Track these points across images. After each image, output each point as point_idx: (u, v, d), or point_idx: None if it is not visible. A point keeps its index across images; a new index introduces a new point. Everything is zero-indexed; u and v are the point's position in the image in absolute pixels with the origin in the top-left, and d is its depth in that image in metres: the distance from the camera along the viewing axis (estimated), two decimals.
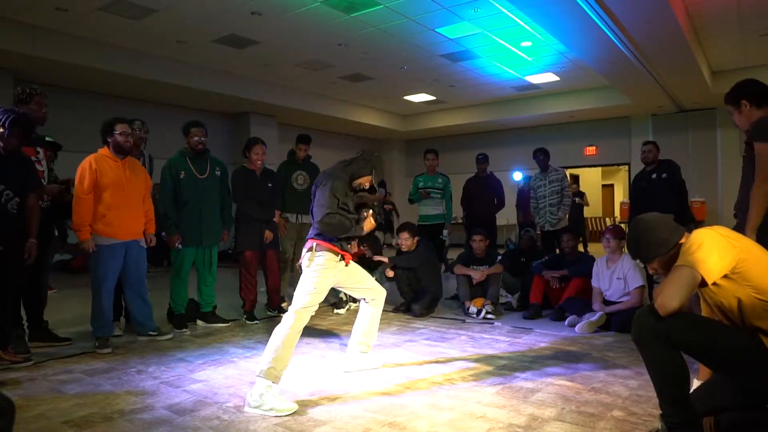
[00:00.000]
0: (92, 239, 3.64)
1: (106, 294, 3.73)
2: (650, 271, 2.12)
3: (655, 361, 1.91)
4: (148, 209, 3.98)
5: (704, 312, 2.07)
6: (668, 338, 1.84)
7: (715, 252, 1.82)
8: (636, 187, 5.31)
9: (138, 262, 3.87)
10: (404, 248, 5.02)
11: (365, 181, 3.14)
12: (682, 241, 1.96)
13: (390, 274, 5.01)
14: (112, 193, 3.68)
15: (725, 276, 1.83)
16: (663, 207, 4.87)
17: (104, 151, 3.76)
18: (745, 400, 1.94)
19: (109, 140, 3.74)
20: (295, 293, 2.86)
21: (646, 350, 1.92)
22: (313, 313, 2.82)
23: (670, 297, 1.81)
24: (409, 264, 4.98)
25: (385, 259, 5.05)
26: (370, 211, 3.25)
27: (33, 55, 7.13)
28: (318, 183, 3.05)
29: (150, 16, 6.90)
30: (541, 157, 5.91)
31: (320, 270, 2.88)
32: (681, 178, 5.12)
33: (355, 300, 5.38)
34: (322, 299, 2.90)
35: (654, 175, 5.06)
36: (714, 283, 1.85)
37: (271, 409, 2.47)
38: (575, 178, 14.74)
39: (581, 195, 11.18)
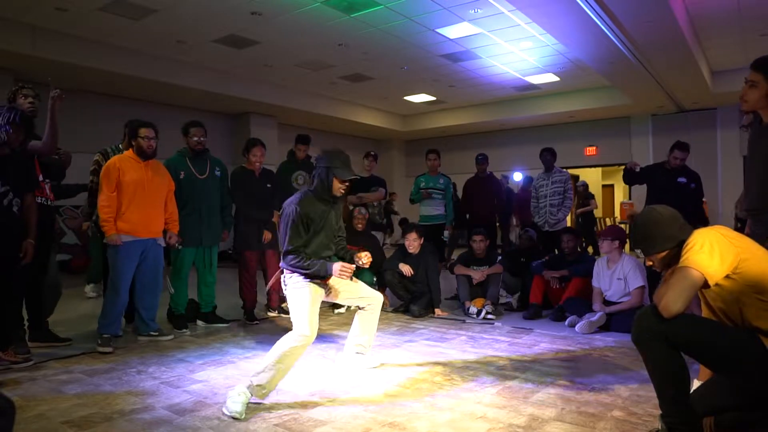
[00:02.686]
0: (118, 234, 3.71)
1: (123, 292, 3.77)
2: (647, 263, 2.11)
3: (655, 361, 1.91)
4: (172, 211, 4.06)
5: (704, 313, 2.07)
6: (668, 339, 1.84)
7: (717, 252, 1.82)
8: (654, 184, 5.10)
9: (155, 261, 3.92)
10: (411, 249, 5.01)
11: (342, 187, 2.97)
12: (685, 239, 1.95)
13: (406, 270, 4.99)
14: (133, 192, 3.76)
15: (726, 276, 1.83)
16: (685, 215, 4.90)
17: (129, 152, 3.88)
18: (744, 400, 1.94)
19: (133, 143, 3.85)
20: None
21: (646, 351, 1.93)
22: (315, 332, 2.72)
23: (673, 300, 1.81)
24: (415, 274, 4.98)
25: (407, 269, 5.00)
26: (366, 255, 3.12)
27: (33, 55, 7.12)
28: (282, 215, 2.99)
29: (150, 17, 6.89)
30: (548, 156, 5.91)
31: (298, 288, 2.83)
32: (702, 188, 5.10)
33: None
34: (315, 316, 2.78)
35: (681, 180, 4.95)
36: (716, 284, 1.85)
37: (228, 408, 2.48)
38: (575, 179, 14.75)
39: (591, 197, 11.19)
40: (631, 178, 5.26)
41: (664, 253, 2.01)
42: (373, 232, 5.71)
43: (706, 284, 1.83)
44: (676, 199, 4.77)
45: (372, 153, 6.10)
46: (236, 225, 4.69)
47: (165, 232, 4.03)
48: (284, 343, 2.64)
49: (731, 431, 1.96)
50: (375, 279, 5.39)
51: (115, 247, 3.72)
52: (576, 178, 14.89)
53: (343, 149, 3.04)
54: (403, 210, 12.80)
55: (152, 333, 3.96)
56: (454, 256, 7.35)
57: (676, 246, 1.97)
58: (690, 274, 1.82)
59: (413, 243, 4.98)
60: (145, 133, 3.82)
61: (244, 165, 4.77)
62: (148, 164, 3.88)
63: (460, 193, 6.80)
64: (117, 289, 3.74)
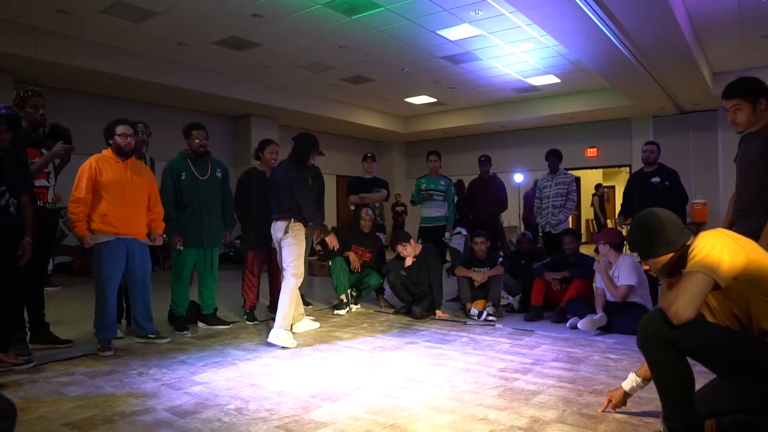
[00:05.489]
0: (90, 234, 3.63)
1: (111, 293, 3.71)
2: (643, 267, 2.09)
3: (660, 367, 1.91)
4: (157, 210, 3.99)
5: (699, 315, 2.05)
6: (676, 345, 1.83)
7: (726, 255, 1.80)
8: (632, 186, 5.33)
9: (142, 261, 3.86)
10: (404, 255, 5.03)
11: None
12: (688, 243, 1.94)
13: (408, 263, 5.03)
14: (112, 193, 3.68)
15: (734, 278, 1.81)
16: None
17: (107, 152, 3.78)
18: (746, 402, 1.93)
19: (110, 141, 3.77)
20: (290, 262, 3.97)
21: (652, 356, 1.92)
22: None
23: (684, 306, 1.79)
24: (417, 276, 5.00)
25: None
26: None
27: (34, 57, 7.15)
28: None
29: (151, 19, 6.91)
30: (552, 158, 5.96)
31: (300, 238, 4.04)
32: (682, 185, 5.16)
33: (356, 302, 5.40)
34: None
35: (655, 179, 5.06)
36: (726, 287, 1.83)
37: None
38: (577, 180, 14.76)
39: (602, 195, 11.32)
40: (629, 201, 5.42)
41: (662, 258, 1.97)
42: (376, 234, 5.70)
43: (716, 287, 1.81)
44: (650, 198, 4.87)
45: (369, 154, 6.05)
46: (242, 225, 4.70)
47: (149, 235, 3.96)
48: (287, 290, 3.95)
49: None
50: (383, 281, 5.39)
51: (99, 249, 3.65)
52: (577, 179, 14.92)
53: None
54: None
55: (149, 336, 3.95)
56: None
57: (677, 251, 1.95)
58: (700, 279, 1.79)
59: (404, 251, 5.03)
60: (122, 130, 3.72)
61: (256, 166, 4.83)
62: (127, 164, 3.78)
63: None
64: (104, 293, 3.67)
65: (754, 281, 1.80)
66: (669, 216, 2.01)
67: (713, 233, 1.89)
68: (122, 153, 3.76)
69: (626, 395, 2.33)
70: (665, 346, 1.85)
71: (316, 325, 4.44)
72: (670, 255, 1.96)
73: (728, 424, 1.95)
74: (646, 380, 2.25)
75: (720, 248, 1.81)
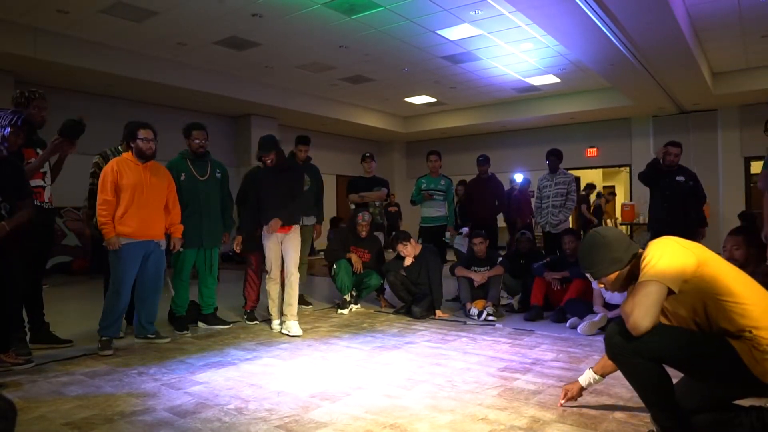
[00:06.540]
0: (117, 237, 3.66)
1: (124, 294, 3.74)
2: (598, 286, 2.12)
3: (634, 375, 1.95)
4: (176, 212, 4.02)
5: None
6: (640, 354, 1.87)
7: (677, 260, 1.83)
8: (656, 187, 5.15)
9: (157, 264, 3.89)
10: (404, 254, 5.03)
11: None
12: (639, 252, 1.97)
13: (408, 262, 5.04)
14: (131, 195, 3.71)
15: (686, 281, 1.83)
16: (690, 212, 4.88)
17: (127, 155, 3.83)
18: (715, 400, 1.98)
19: (132, 145, 3.79)
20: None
21: (624, 367, 1.96)
22: (272, 276, 4.38)
23: (640, 317, 1.81)
24: (417, 275, 5.01)
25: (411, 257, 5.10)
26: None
27: (34, 57, 7.14)
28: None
29: (151, 19, 6.91)
30: (552, 158, 5.96)
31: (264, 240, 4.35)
32: (701, 186, 5.16)
33: (356, 302, 5.40)
34: (274, 262, 4.35)
35: (679, 178, 5.02)
36: (679, 290, 1.85)
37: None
38: (577, 180, 14.74)
39: (600, 196, 11.31)
40: (650, 176, 5.19)
41: (612, 276, 2.00)
42: (375, 233, 5.69)
43: (670, 292, 1.83)
44: (679, 198, 4.80)
45: (368, 154, 6.04)
46: (241, 227, 4.70)
47: (168, 237, 4.00)
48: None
49: (705, 431, 1.99)
50: (383, 281, 5.39)
51: (116, 250, 3.69)
52: (577, 179, 14.90)
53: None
54: (405, 213, 12.73)
55: (149, 336, 3.95)
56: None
57: (627, 265, 1.98)
58: (654, 288, 1.82)
59: (404, 250, 5.03)
60: (144, 134, 3.76)
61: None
62: (146, 166, 3.82)
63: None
64: (118, 292, 3.71)
65: (705, 282, 1.83)
66: (615, 233, 2.05)
67: (662, 241, 1.93)
68: (143, 156, 3.79)
69: (582, 389, 2.43)
70: (632, 356, 1.89)
71: (299, 332, 4.16)
72: (621, 271, 2.00)
73: (701, 421, 1.99)
74: (602, 376, 2.34)
75: (670, 255, 1.85)
